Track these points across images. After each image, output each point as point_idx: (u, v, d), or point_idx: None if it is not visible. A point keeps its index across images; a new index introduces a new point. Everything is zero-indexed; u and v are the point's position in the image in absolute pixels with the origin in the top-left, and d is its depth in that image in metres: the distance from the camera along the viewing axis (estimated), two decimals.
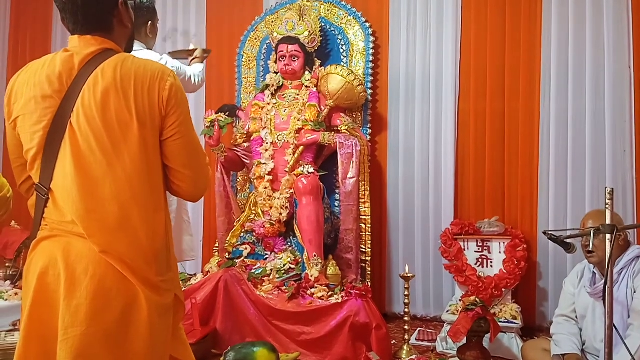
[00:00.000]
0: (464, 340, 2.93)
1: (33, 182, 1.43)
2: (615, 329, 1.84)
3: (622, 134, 3.47)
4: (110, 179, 1.33)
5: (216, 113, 3.65)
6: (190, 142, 1.45)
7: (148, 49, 2.86)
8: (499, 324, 3.01)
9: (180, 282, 1.57)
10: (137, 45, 2.51)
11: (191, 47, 3.44)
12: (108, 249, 1.32)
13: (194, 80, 3.10)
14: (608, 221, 1.85)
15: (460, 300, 3.34)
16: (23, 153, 1.41)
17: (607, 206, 1.86)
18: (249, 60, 4.28)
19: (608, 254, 1.82)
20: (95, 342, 1.28)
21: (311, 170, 3.53)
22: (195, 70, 3.16)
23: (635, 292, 2.28)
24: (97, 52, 1.39)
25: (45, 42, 5.20)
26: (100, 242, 1.32)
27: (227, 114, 3.68)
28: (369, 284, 3.52)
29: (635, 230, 3.35)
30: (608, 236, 1.85)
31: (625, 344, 2.06)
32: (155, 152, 1.39)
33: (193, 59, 3.31)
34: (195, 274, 3.54)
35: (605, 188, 1.88)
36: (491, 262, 3.54)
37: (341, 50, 4.02)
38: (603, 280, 1.98)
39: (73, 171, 1.32)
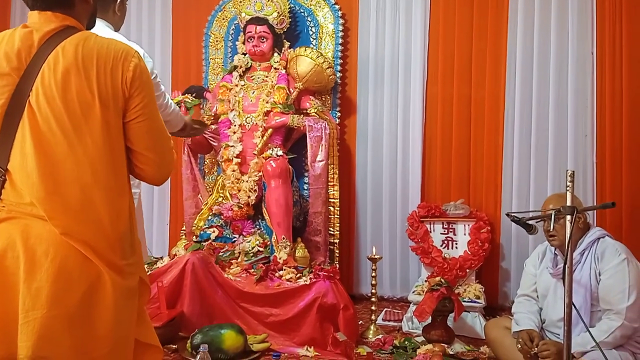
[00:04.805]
0: (429, 320, 3.00)
1: None
2: (575, 308, 1.90)
3: (583, 119, 3.56)
4: (71, 161, 1.30)
5: (183, 94, 3.60)
6: (155, 124, 1.43)
7: (115, 30, 2.69)
8: (463, 303, 3.08)
9: (145, 265, 1.56)
10: (101, 23, 2.39)
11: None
12: (69, 231, 1.29)
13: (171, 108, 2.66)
14: (569, 203, 1.90)
15: (425, 281, 3.40)
16: None
17: (567, 188, 1.90)
18: (217, 41, 4.21)
19: (568, 235, 1.88)
20: (57, 324, 1.26)
21: (280, 153, 3.51)
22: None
23: (600, 275, 2.32)
24: (57, 29, 1.35)
25: (4, 19, 5.00)
26: (62, 224, 1.29)
27: (194, 95, 3.63)
28: (337, 265, 3.55)
29: (595, 212, 3.45)
30: (568, 217, 1.90)
31: (585, 323, 2.14)
32: (118, 134, 1.37)
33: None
34: (161, 257, 3.50)
35: (567, 171, 1.93)
36: (456, 244, 3.61)
37: (310, 32, 3.99)
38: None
39: (33, 152, 1.29)
